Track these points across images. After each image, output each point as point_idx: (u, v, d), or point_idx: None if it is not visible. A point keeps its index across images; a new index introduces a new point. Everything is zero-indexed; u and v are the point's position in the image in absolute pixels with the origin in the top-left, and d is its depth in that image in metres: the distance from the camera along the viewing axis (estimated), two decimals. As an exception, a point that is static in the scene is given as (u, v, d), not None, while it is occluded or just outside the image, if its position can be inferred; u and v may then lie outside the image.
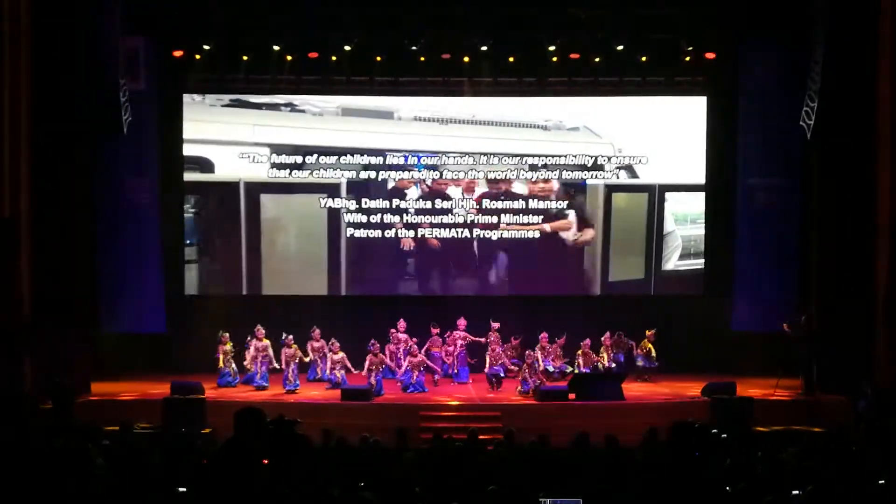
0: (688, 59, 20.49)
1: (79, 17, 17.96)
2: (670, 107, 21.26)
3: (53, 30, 17.91)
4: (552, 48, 20.18)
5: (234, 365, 19.15)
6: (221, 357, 19.09)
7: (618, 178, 21.28)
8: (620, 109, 21.30)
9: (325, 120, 21.18)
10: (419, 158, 21.16)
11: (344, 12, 19.67)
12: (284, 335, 18.94)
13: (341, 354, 18.84)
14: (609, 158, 21.20)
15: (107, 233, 20.17)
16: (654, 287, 21.59)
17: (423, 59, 20.37)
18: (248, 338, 19.05)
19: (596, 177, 21.23)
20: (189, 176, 20.97)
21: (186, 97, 20.86)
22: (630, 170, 21.29)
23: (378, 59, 20.46)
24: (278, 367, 18.79)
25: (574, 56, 20.32)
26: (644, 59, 20.50)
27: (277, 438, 6.64)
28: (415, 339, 19.56)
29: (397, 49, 20.22)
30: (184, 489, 8.03)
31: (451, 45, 20.30)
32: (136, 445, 11.04)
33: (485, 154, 21.17)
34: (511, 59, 20.57)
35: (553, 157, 21.17)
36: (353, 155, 21.03)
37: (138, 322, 20.49)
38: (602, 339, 19.96)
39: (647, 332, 20.23)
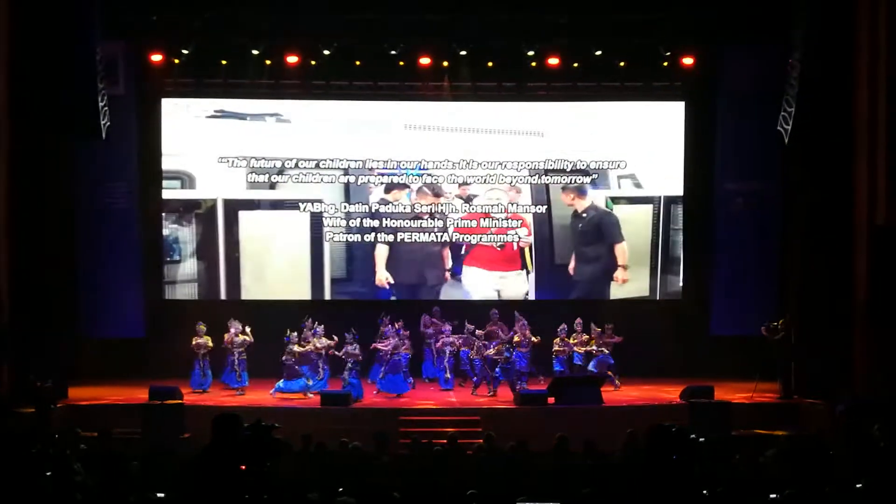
0: (666, 64, 20.54)
1: (57, 21, 17.85)
2: (648, 112, 21.33)
3: (31, 33, 17.78)
4: (531, 53, 20.20)
5: (205, 361, 18.97)
6: (197, 350, 18.90)
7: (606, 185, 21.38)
8: (598, 115, 21.34)
9: (309, 129, 21.06)
10: (403, 166, 21.10)
11: (328, 16, 19.63)
12: (288, 331, 18.75)
13: (326, 341, 18.70)
14: (588, 164, 21.23)
15: (86, 237, 20.10)
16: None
17: (402, 63, 20.35)
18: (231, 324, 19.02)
19: (573, 182, 21.28)
20: (170, 185, 20.89)
21: (168, 106, 20.79)
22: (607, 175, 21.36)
23: (358, 63, 20.46)
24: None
25: (553, 60, 20.31)
26: (622, 64, 20.57)
27: (255, 444, 6.60)
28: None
29: (379, 54, 20.19)
30: (162, 495, 8.02)
31: (431, 49, 20.28)
32: (115, 451, 10.99)
33: (466, 161, 21.13)
34: (490, 65, 20.60)
35: (536, 162, 21.21)
36: (339, 161, 20.97)
37: (117, 327, 20.40)
38: (574, 324, 19.65)
39: (606, 326, 19.79)
